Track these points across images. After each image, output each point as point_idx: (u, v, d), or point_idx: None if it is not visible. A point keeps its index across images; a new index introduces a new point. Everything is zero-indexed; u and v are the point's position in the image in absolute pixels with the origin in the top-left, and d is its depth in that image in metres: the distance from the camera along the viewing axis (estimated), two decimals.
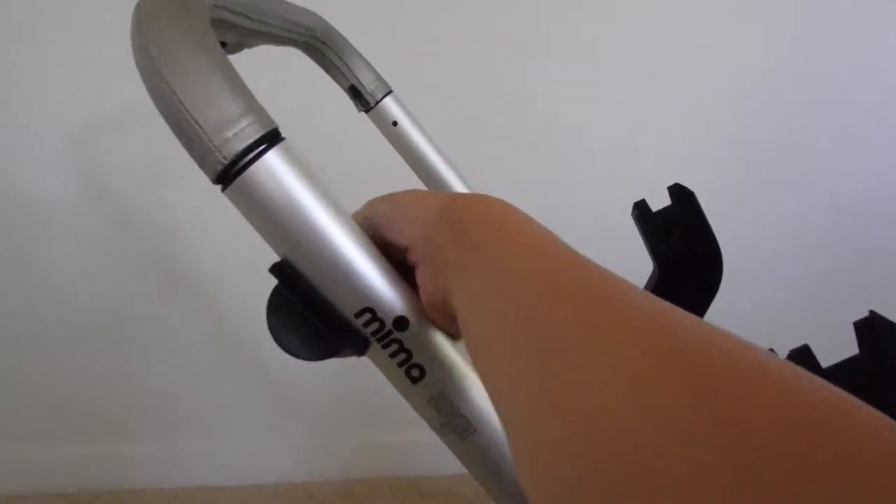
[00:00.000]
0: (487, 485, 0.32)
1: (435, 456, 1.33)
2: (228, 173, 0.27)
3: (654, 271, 0.68)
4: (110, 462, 1.34)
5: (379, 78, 0.69)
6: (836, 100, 1.12)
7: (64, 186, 1.15)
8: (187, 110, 0.27)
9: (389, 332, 0.29)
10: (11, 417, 1.31)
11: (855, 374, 0.33)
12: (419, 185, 0.73)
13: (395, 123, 0.69)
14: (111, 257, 1.20)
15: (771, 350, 0.36)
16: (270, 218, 0.28)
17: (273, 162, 0.28)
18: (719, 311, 0.64)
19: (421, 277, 0.29)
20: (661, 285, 0.68)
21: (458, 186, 0.73)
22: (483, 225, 0.27)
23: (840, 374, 0.33)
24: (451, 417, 0.30)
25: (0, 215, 1.17)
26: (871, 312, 0.34)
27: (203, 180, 0.96)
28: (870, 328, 0.33)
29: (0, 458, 1.33)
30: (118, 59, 1.04)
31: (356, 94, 0.68)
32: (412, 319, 0.29)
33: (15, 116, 1.11)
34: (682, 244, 0.67)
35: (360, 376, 1.29)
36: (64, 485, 1.33)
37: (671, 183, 0.67)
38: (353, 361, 1.18)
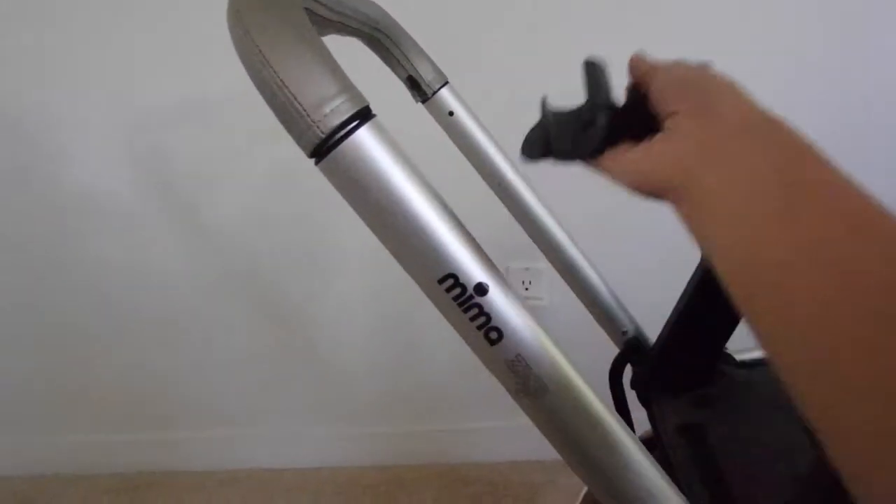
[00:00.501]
0: (560, 445, 0.33)
1: (478, 445, 1.35)
2: (324, 147, 0.30)
3: (702, 257, 0.69)
4: (166, 447, 1.40)
5: (436, 69, 0.71)
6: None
7: (116, 181, 1.20)
8: (288, 89, 0.29)
9: (470, 297, 0.31)
10: (82, 406, 1.38)
11: None
12: (474, 177, 0.75)
13: (451, 114, 0.71)
14: (161, 251, 1.25)
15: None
16: (361, 189, 0.30)
17: (365, 137, 0.30)
18: None
19: (664, 144, 0.32)
20: (709, 271, 0.69)
21: (512, 177, 0.75)
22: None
23: None
24: (526, 379, 0.32)
25: (56, 209, 1.23)
26: None
27: (255, 175, 1.00)
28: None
29: (69, 441, 1.40)
30: (169, 55, 1.09)
31: (414, 84, 0.70)
32: (491, 286, 0.31)
33: (71, 112, 1.16)
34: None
35: (408, 367, 1.32)
36: (122, 467, 1.40)
37: None
38: (400, 352, 1.21)
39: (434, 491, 1.29)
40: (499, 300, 0.31)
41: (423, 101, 0.72)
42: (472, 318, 0.31)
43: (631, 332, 0.76)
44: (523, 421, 1.16)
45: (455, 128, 0.72)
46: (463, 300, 0.31)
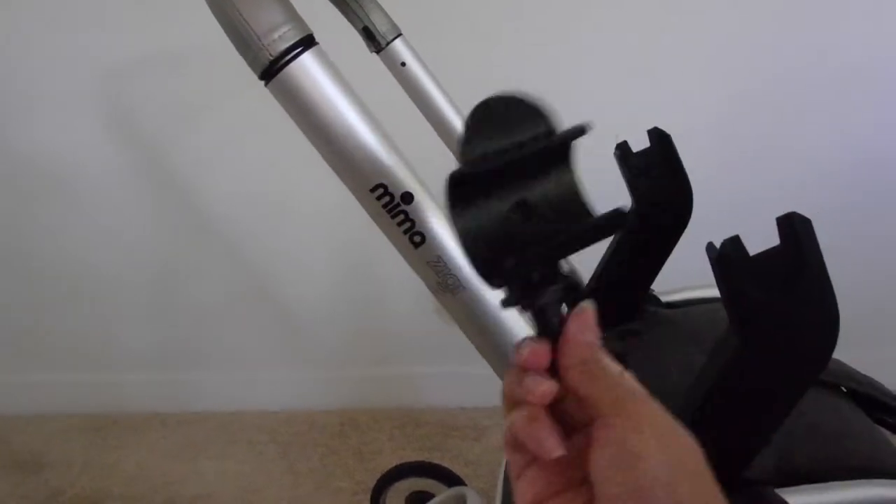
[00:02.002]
0: (474, 337, 0.39)
1: (430, 390, 1.42)
2: (273, 69, 0.34)
3: (631, 206, 0.75)
4: (128, 387, 1.44)
5: (390, 21, 0.75)
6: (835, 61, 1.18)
7: (88, 132, 1.22)
8: (242, 16, 0.34)
9: (398, 205, 0.36)
10: (48, 347, 1.42)
11: (775, 261, 0.40)
12: (423, 124, 0.79)
13: (403, 64, 0.76)
14: (127, 200, 1.28)
15: (710, 243, 0.43)
16: (304, 107, 0.35)
17: (308, 61, 0.34)
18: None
19: (601, 450, 0.27)
20: (636, 220, 0.75)
21: (460, 125, 0.80)
22: None
23: (763, 260, 0.40)
24: (445, 277, 0.37)
25: (26, 163, 1.24)
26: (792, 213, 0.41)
27: (223, 128, 1.04)
28: (789, 223, 0.40)
29: (32, 381, 1.44)
30: (133, 8, 1.11)
31: (369, 35, 0.74)
32: (416, 195, 0.36)
33: (40, 63, 1.17)
34: (658, 183, 0.74)
35: (366, 315, 1.38)
36: (85, 407, 1.43)
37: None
38: (360, 301, 1.27)
39: (387, 431, 1.36)
40: (422, 208, 0.36)
41: (378, 52, 0.76)
42: (399, 224, 0.36)
43: (566, 271, 0.82)
44: (473, 369, 1.24)
45: (407, 78, 0.77)
46: (391, 207, 0.36)
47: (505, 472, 0.76)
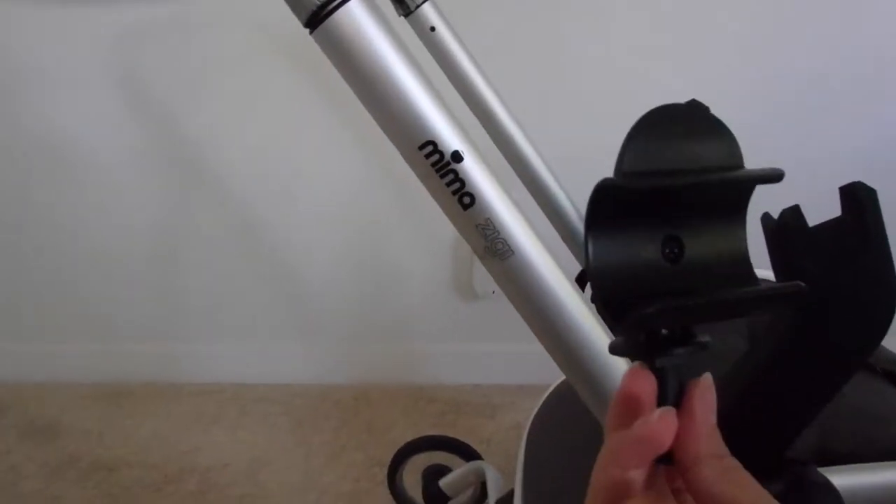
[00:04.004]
0: (519, 304, 0.38)
1: (443, 368, 1.42)
2: (318, 16, 0.33)
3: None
4: (142, 358, 1.45)
5: None
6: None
7: (94, 106, 1.21)
8: None
9: (447, 164, 0.34)
10: (62, 317, 1.42)
11: (837, 233, 0.38)
12: (452, 93, 0.77)
13: (433, 29, 0.73)
14: (151, 170, 1.27)
15: (766, 213, 0.41)
16: (350, 58, 0.33)
17: (355, 8, 0.33)
18: None
19: None
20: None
21: (490, 96, 0.78)
22: None
23: (824, 232, 0.38)
24: (493, 242, 0.36)
25: (34, 138, 1.23)
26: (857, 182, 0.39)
27: (231, 99, 1.02)
28: (853, 193, 0.38)
29: (48, 350, 1.44)
30: None
31: None
32: (466, 154, 0.34)
33: (42, 37, 1.16)
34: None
35: (380, 290, 1.37)
36: (99, 376, 1.44)
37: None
38: (375, 277, 1.26)
39: (400, 407, 1.36)
40: (473, 168, 0.35)
41: (406, 16, 0.73)
42: (448, 184, 0.35)
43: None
44: (487, 347, 1.24)
45: (436, 44, 0.75)
46: (440, 166, 0.34)
47: (526, 448, 0.75)
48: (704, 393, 0.27)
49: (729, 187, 0.23)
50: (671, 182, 0.23)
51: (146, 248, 1.34)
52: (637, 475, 0.26)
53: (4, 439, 1.31)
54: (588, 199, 0.24)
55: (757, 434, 0.43)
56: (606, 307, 0.25)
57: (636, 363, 0.27)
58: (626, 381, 0.27)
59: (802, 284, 0.25)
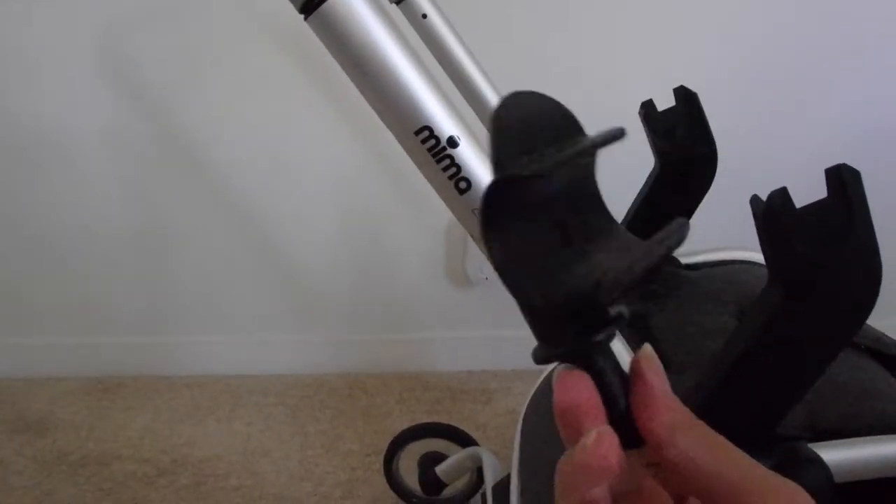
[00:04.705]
0: None
1: (438, 355, 1.43)
2: (313, 2, 0.33)
3: (654, 167, 0.74)
4: (133, 351, 1.44)
5: None
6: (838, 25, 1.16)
7: (86, 92, 1.20)
8: None
9: (443, 149, 0.35)
10: (52, 310, 1.42)
11: (823, 214, 0.39)
12: (445, 80, 0.77)
13: (424, 16, 0.74)
14: (142, 159, 1.26)
15: (755, 196, 0.42)
16: (346, 44, 0.33)
17: None
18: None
19: None
20: (660, 180, 0.74)
21: (483, 84, 0.78)
22: None
23: (811, 213, 0.39)
24: None
25: (25, 126, 1.22)
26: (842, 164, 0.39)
27: (229, 79, 1.02)
28: (838, 175, 0.39)
29: (38, 344, 1.44)
30: None
31: None
32: (462, 139, 0.35)
33: (35, 22, 1.14)
34: (684, 143, 0.73)
35: (373, 278, 1.37)
36: (90, 370, 1.43)
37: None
38: (368, 266, 1.27)
39: (396, 395, 1.36)
40: (468, 153, 0.35)
41: (398, 3, 0.74)
42: (444, 169, 0.35)
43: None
44: (481, 333, 1.24)
45: (429, 32, 0.75)
46: (436, 151, 0.35)
47: (522, 433, 0.76)
48: (651, 363, 0.25)
49: (586, 154, 0.24)
50: (551, 162, 0.23)
51: (137, 240, 1.34)
52: (600, 491, 0.23)
53: None
54: (482, 203, 0.22)
55: (747, 411, 0.44)
56: (544, 327, 0.24)
57: (560, 367, 0.25)
58: (557, 391, 0.24)
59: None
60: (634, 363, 0.25)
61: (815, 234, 0.39)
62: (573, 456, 0.23)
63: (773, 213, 0.39)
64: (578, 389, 0.24)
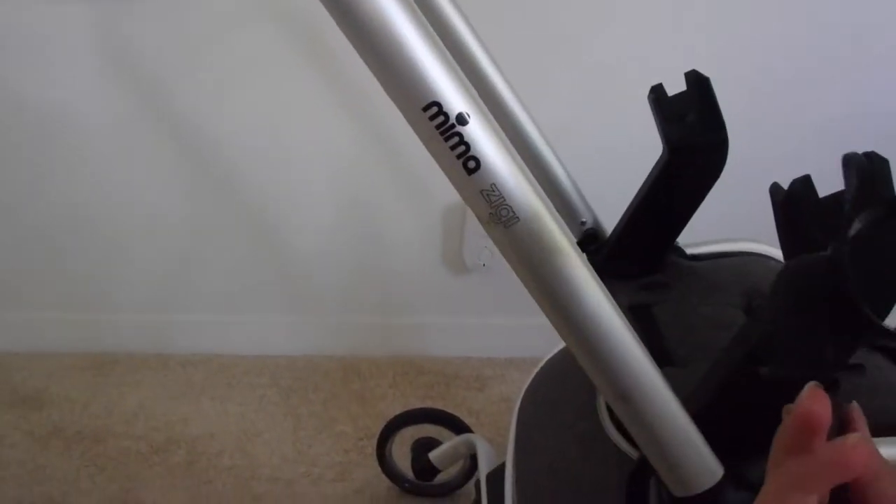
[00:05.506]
0: (524, 274, 0.37)
1: (432, 340, 1.41)
2: None
3: (663, 153, 0.72)
4: (129, 328, 1.43)
5: None
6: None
7: (83, 75, 1.17)
8: None
9: (452, 126, 0.33)
10: (50, 286, 1.40)
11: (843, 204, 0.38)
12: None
13: None
14: (138, 142, 1.24)
15: (775, 183, 0.41)
16: (351, 13, 0.31)
17: None
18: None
19: None
20: (668, 168, 0.72)
21: (480, 54, 0.75)
22: None
23: (835, 203, 0.38)
24: (499, 208, 0.34)
25: (25, 109, 1.20)
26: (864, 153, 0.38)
27: (226, 67, 0.98)
28: (855, 161, 0.37)
29: (36, 318, 1.43)
30: None
31: None
32: (472, 116, 0.33)
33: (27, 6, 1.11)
34: (694, 130, 0.71)
35: (370, 261, 1.36)
36: (86, 345, 1.42)
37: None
38: (364, 249, 1.24)
39: (389, 378, 1.35)
40: (478, 131, 0.33)
41: None
42: (453, 147, 0.33)
43: (589, 223, 0.80)
44: (476, 319, 1.23)
45: (429, 7, 0.72)
46: (445, 129, 0.33)
47: (518, 422, 0.75)
48: (860, 415, 0.32)
49: None
50: None
51: (133, 219, 1.32)
52: (813, 500, 0.28)
53: None
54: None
55: (758, 408, 0.43)
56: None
57: (812, 383, 0.30)
58: (807, 401, 0.29)
59: None
60: (848, 412, 0.32)
61: (834, 225, 0.38)
62: (823, 455, 0.28)
63: (793, 201, 0.38)
64: (825, 406, 0.29)
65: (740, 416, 0.44)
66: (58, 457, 1.19)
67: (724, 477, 0.41)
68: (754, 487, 0.42)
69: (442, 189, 1.23)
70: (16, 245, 1.35)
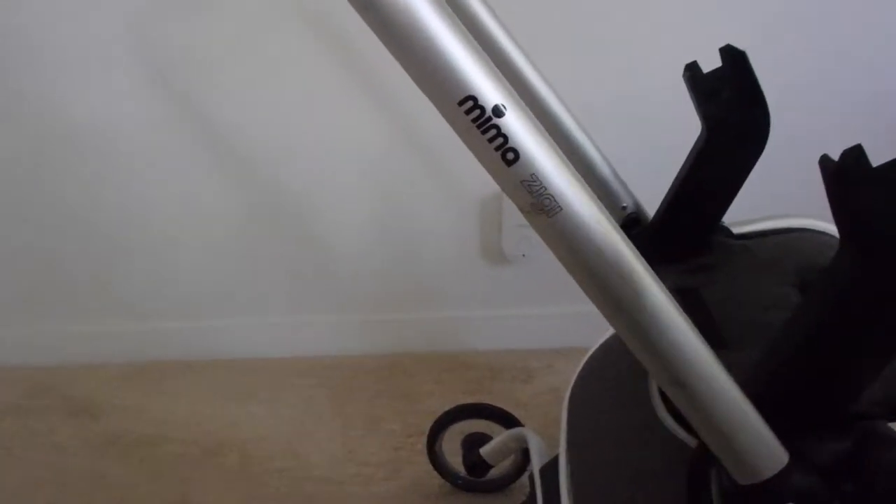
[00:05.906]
0: (570, 265, 0.36)
1: (477, 334, 1.41)
2: None
3: (701, 132, 0.70)
4: (175, 336, 1.46)
5: None
6: None
7: (115, 83, 1.20)
8: None
9: (489, 119, 0.32)
10: (95, 298, 1.43)
11: None
12: None
13: None
14: (170, 146, 1.26)
15: (825, 155, 0.39)
16: (382, 10, 0.31)
17: None
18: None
19: None
20: (708, 147, 0.70)
21: (508, 45, 0.74)
22: None
23: (886, 174, 0.36)
24: (540, 198, 0.34)
25: (64, 122, 1.23)
26: None
27: (256, 64, 0.99)
28: None
29: (80, 331, 1.47)
30: None
31: None
32: (509, 108, 0.32)
33: (58, 16, 1.14)
34: (731, 106, 0.69)
35: (410, 257, 1.36)
36: (132, 356, 1.46)
37: None
38: (403, 246, 1.24)
39: (435, 375, 1.36)
40: (515, 122, 0.33)
41: None
42: (490, 140, 0.33)
43: (630, 207, 0.78)
44: (518, 311, 1.21)
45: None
46: (481, 122, 0.32)
47: (569, 413, 0.74)
48: None
49: None
50: None
51: (171, 226, 1.34)
52: None
53: (48, 419, 1.34)
54: None
55: (821, 388, 0.42)
56: None
57: None
58: None
59: None
60: None
61: (892, 195, 0.36)
62: None
63: (844, 171, 0.36)
64: None
65: (801, 397, 0.42)
66: (116, 463, 1.23)
67: (790, 462, 0.40)
68: (822, 471, 0.41)
69: (478, 180, 1.22)
70: (61, 260, 1.39)
